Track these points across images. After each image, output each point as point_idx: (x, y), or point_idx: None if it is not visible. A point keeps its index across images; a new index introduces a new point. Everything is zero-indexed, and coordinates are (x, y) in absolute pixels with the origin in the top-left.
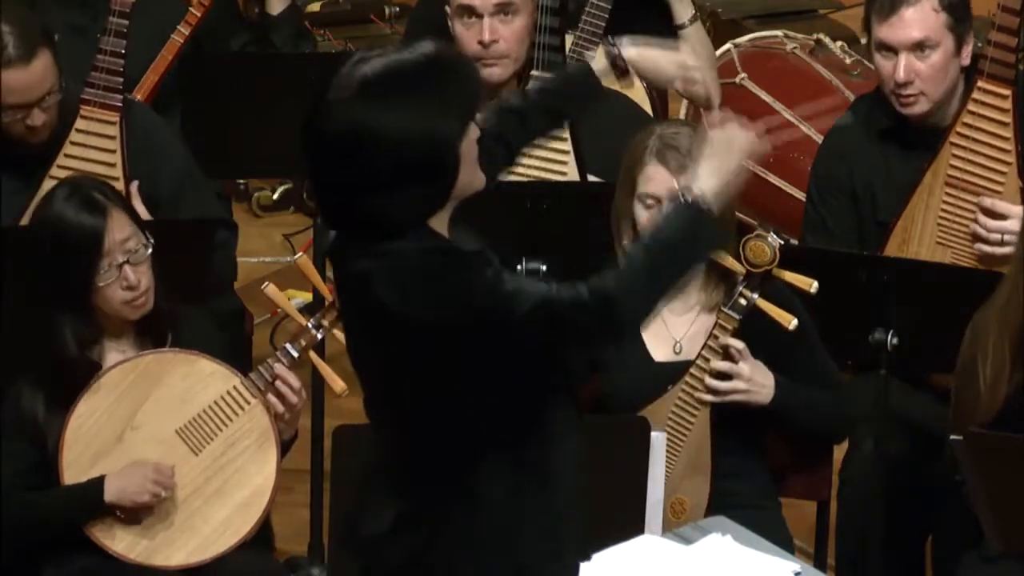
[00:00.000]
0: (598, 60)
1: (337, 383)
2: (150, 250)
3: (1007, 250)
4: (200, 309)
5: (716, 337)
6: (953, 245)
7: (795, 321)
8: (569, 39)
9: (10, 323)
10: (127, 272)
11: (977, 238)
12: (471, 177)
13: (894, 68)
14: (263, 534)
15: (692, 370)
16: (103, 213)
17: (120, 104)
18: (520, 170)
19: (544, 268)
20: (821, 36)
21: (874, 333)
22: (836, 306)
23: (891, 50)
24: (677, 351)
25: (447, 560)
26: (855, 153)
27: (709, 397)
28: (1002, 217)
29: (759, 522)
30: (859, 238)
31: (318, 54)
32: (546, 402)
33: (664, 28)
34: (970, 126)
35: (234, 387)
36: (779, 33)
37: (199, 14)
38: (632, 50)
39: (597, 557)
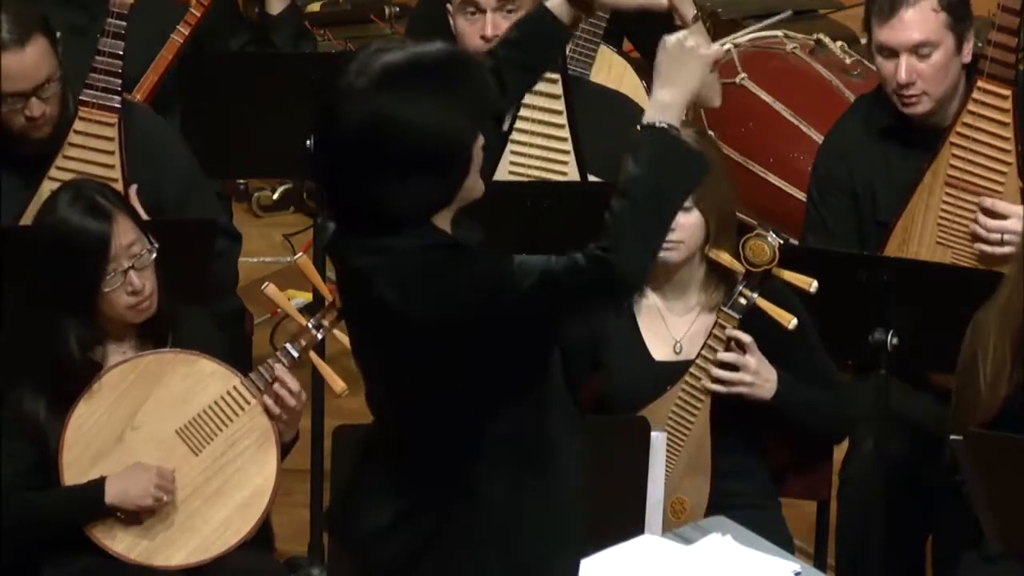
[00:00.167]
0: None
1: (337, 383)
2: (154, 255)
3: (1007, 250)
4: (200, 309)
5: (716, 337)
6: (953, 245)
7: (795, 320)
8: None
9: (11, 324)
10: (132, 277)
11: (977, 238)
12: (475, 182)
13: (895, 69)
14: (263, 534)
15: (692, 370)
16: (108, 218)
17: (118, 106)
18: (520, 170)
19: None
20: (821, 36)
21: (874, 333)
22: (836, 306)
23: (892, 52)
24: (677, 351)
25: (447, 558)
26: (855, 153)
27: (715, 387)
28: (1002, 217)
29: (759, 522)
30: (859, 238)
31: (318, 54)
32: (547, 401)
33: (665, 28)
34: (970, 126)
35: (234, 387)
36: (779, 33)
37: (199, 14)
38: None
39: (597, 557)
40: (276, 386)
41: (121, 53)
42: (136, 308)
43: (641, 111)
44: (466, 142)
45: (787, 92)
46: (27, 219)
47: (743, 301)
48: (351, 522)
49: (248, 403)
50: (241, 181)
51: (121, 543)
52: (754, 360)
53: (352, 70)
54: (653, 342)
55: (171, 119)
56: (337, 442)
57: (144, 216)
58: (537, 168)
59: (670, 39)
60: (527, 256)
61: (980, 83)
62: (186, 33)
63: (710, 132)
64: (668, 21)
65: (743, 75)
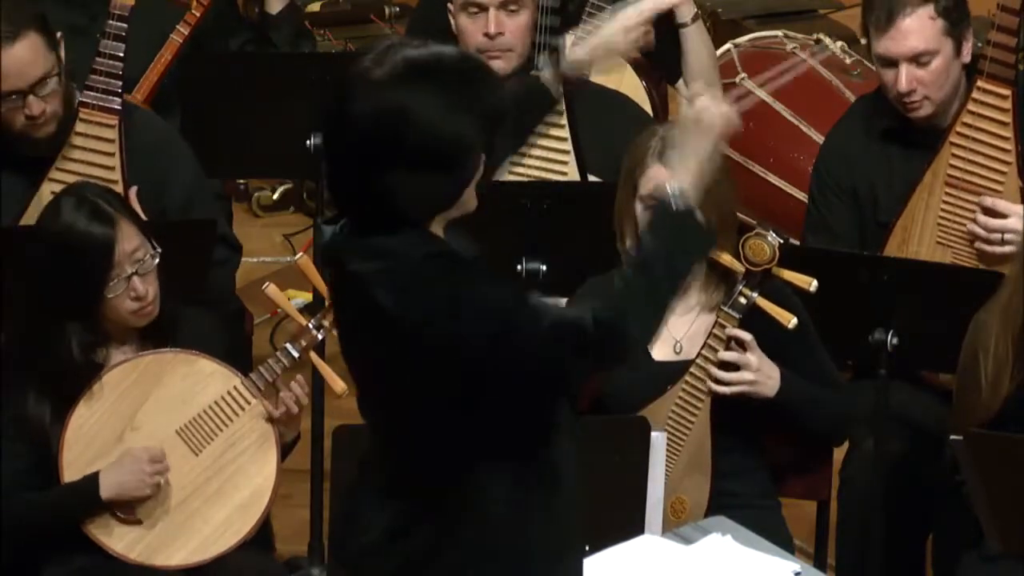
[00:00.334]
0: (544, 74)
1: (337, 383)
2: (157, 260)
3: (1007, 249)
4: (200, 309)
5: (716, 336)
6: (953, 245)
7: (795, 320)
8: (569, 39)
9: (13, 325)
10: (135, 283)
11: (977, 237)
12: (471, 194)
13: (896, 78)
14: (263, 534)
15: (692, 369)
16: (112, 224)
17: (119, 108)
18: (520, 170)
19: (544, 268)
20: (821, 36)
21: (874, 333)
22: (836, 306)
23: (891, 61)
24: (677, 351)
25: (447, 569)
26: (856, 153)
27: (717, 387)
28: (1002, 216)
29: (759, 522)
30: (860, 238)
31: (318, 54)
32: (546, 408)
33: (665, 28)
34: (970, 126)
35: (234, 387)
36: (779, 33)
37: (199, 14)
38: (579, 51)
39: (597, 557)
40: (284, 394)
41: (122, 55)
42: (139, 313)
43: (641, 111)
44: (475, 148)
45: (787, 92)
46: (27, 220)
47: (743, 300)
48: (349, 537)
49: (248, 403)
50: (241, 181)
51: (121, 543)
52: (755, 358)
53: (370, 60)
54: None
55: (171, 119)
56: (337, 442)
57: (141, 215)
58: (537, 168)
59: (685, 115)
60: (530, 300)
61: (980, 83)
62: (186, 33)
63: None
64: (668, 21)
65: (743, 75)
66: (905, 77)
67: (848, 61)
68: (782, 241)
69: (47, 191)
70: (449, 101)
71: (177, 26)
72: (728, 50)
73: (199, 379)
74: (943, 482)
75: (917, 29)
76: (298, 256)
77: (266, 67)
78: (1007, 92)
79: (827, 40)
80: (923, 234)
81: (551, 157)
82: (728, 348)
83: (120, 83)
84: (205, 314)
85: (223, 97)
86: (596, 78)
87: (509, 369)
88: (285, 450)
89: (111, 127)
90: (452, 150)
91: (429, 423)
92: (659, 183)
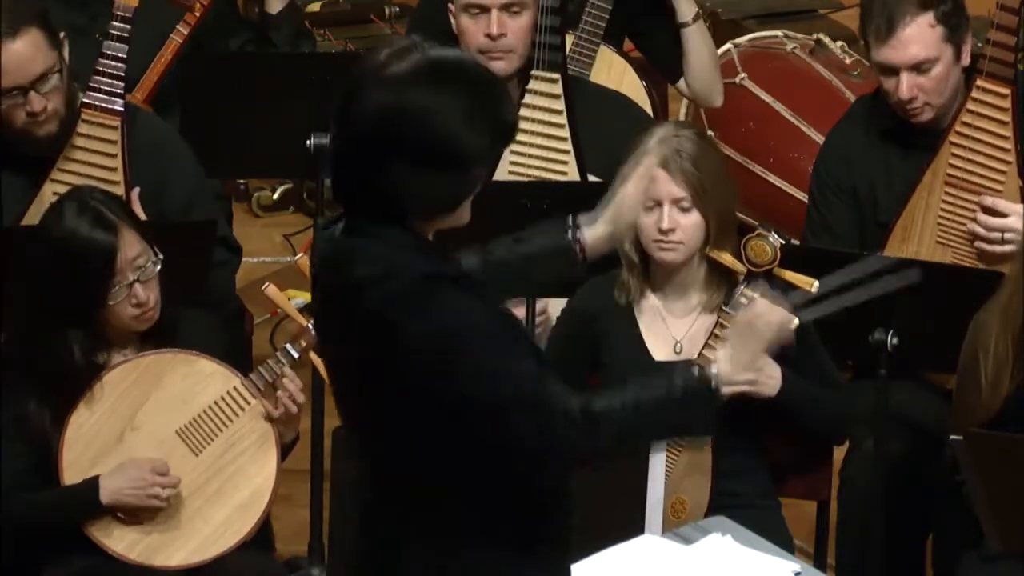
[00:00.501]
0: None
1: None
2: (159, 266)
3: (1007, 249)
4: (200, 310)
5: (717, 337)
6: (953, 244)
7: (796, 320)
8: (569, 39)
9: (14, 327)
10: (137, 290)
11: (977, 237)
12: (467, 207)
13: (897, 86)
14: (263, 534)
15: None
16: (115, 232)
17: (121, 109)
18: (520, 170)
19: None
20: (821, 36)
21: (874, 333)
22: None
23: (892, 70)
24: (677, 351)
25: None
26: (856, 153)
27: None
28: (1002, 215)
29: (759, 522)
30: (860, 238)
31: (318, 54)
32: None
33: (666, 27)
34: (970, 125)
35: (234, 387)
36: (779, 33)
37: (199, 14)
38: (600, 228)
39: (597, 557)
40: (280, 393)
41: (124, 56)
42: (140, 319)
43: (641, 111)
44: (484, 159)
45: (787, 92)
46: (29, 220)
47: (744, 301)
48: (347, 542)
49: (248, 403)
50: (241, 181)
51: (121, 543)
52: None
53: (389, 55)
54: (653, 342)
55: (171, 119)
56: (337, 442)
57: (143, 217)
58: (537, 168)
59: (741, 319)
60: (517, 364)
61: (980, 82)
62: (186, 33)
63: (710, 132)
64: (669, 21)
65: (743, 75)
66: (906, 85)
67: (848, 61)
68: (783, 242)
69: (49, 191)
70: (470, 108)
71: (177, 26)
72: (728, 50)
73: (199, 379)
74: (943, 482)
75: (917, 37)
76: (298, 256)
77: (266, 67)
78: (1007, 91)
79: (827, 40)
80: (923, 234)
81: (551, 157)
82: None
83: (123, 84)
84: (205, 315)
85: (223, 97)
86: (596, 78)
87: (492, 433)
88: (285, 450)
89: (113, 128)
90: (464, 155)
91: (408, 435)
92: (711, 363)
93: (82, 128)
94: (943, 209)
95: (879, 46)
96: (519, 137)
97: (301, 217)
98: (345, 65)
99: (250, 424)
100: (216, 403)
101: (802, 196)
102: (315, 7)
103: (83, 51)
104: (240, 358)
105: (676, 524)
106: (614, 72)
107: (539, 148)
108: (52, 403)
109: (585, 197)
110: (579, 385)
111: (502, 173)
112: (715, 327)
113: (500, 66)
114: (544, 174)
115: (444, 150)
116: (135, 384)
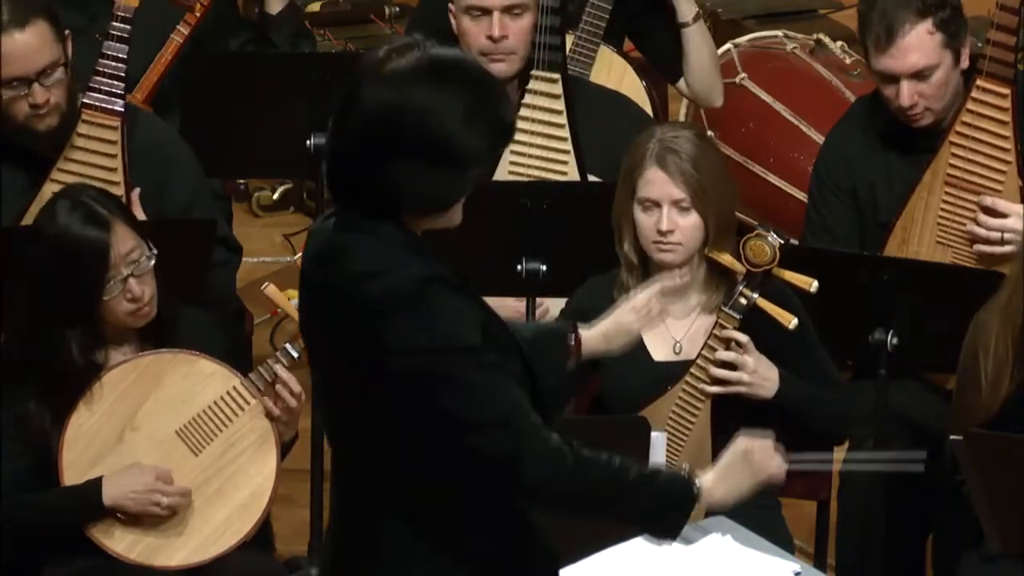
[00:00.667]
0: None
1: None
2: (153, 261)
3: (1007, 249)
4: (200, 310)
5: (716, 337)
6: (953, 244)
7: (795, 321)
8: (569, 39)
9: (12, 327)
10: (132, 285)
11: (977, 237)
12: (459, 208)
13: (897, 94)
14: (263, 534)
15: (692, 370)
16: (107, 227)
17: (121, 109)
18: (520, 170)
19: (544, 268)
20: (821, 36)
21: (874, 333)
22: (836, 306)
23: (892, 78)
24: (677, 351)
25: None
26: (856, 154)
27: (713, 388)
28: (1002, 216)
29: (759, 522)
30: (860, 239)
31: (318, 54)
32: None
33: (666, 27)
34: (969, 125)
35: (234, 387)
36: (779, 33)
37: (199, 14)
38: (594, 337)
39: (597, 557)
40: (278, 387)
41: (124, 56)
42: (136, 314)
43: (641, 111)
44: (480, 159)
45: (787, 92)
46: (28, 220)
47: (743, 301)
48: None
49: (248, 403)
50: (241, 181)
51: (121, 543)
52: (752, 360)
53: (389, 52)
54: (653, 342)
55: (171, 119)
56: None
57: (143, 217)
58: (537, 168)
59: (739, 448)
60: (498, 390)
61: (979, 82)
62: (186, 33)
63: (710, 132)
64: (669, 21)
65: (743, 75)
66: (907, 92)
67: (848, 61)
68: (782, 242)
69: (48, 192)
70: (469, 108)
71: (177, 26)
72: (728, 50)
73: (199, 379)
74: (943, 482)
75: (917, 45)
76: (298, 256)
77: (266, 67)
78: (1006, 91)
79: (827, 40)
80: (923, 234)
81: (551, 157)
82: (728, 349)
83: (123, 84)
84: (205, 314)
85: (223, 97)
86: (596, 78)
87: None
88: (285, 450)
89: (113, 128)
90: (462, 154)
91: (385, 436)
92: (697, 475)
93: (82, 128)
94: (943, 209)
95: (879, 55)
96: (519, 137)
97: (301, 217)
98: (345, 65)
99: (250, 424)
100: (216, 403)
101: (802, 196)
102: (315, 7)
103: (83, 51)
104: (240, 358)
105: None
106: (614, 72)
107: (539, 148)
108: (52, 402)
109: (585, 197)
110: (579, 385)
111: (502, 173)
112: (714, 327)
113: (501, 68)
114: (544, 174)
115: (442, 148)
116: (135, 384)
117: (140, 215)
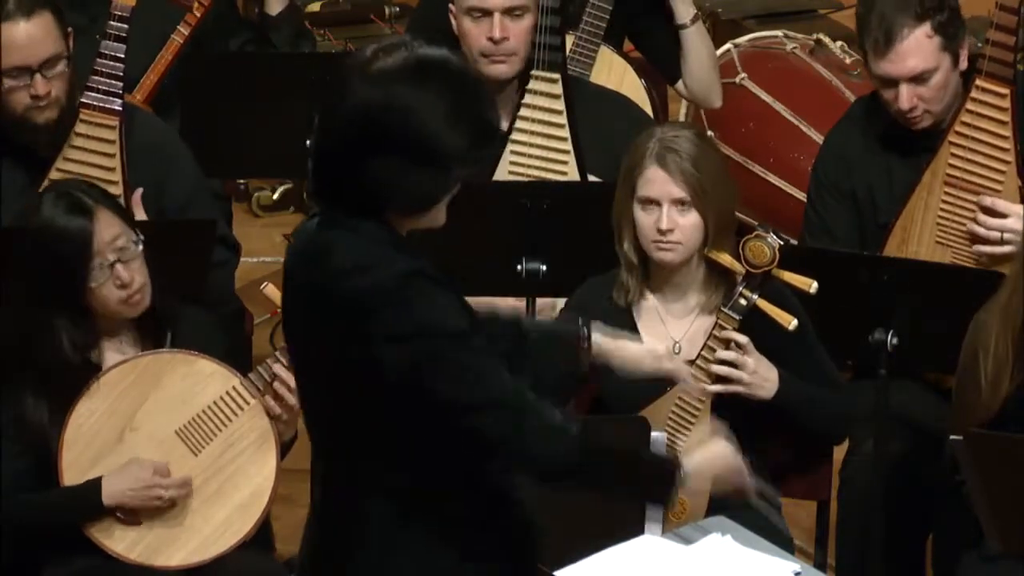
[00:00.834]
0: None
1: None
2: (140, 247)
3: (1007, 249)
4: (199, 309)
5: (716, 337)
6: (953, 244)
7: (795, 321)
8: (570, 40)
9: (8, 325)
10: (119, 270)
11: (977, 237)
12: (443, 208)
13: (896, 97)
14: (263, 534)
15: (692, 370)
16: (89, 214)
17: (120, 109)
18: (520, 170)
19: (544, 268)
20: (821, 36)
21: (874, 333)
22: (836, 306)
23: (892, 81)
24: (677, 351)
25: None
26: (855, 154)
27: (713, 388)
28: (1002, 216)
29: (759, 522)
30: (860, 239)
31: (318, 54)
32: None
33: (666, 28)
34: (969, 125)
35: (233, 387)
36: (779, 33)
37: (199, 14)
38: (609, 343)
39: (597, 557)
40: (277, 384)
41: (123, 56)
42: (127, 302)
43: (641, 111)
44: (464, 159)
45: (787, 92)
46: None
47: (743, 302)
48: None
49: (247, 403)
50: (241, 181)
51: (121, 543)
52: (751, 360)
53: (376, 51)
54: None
55: (171, 119)
56: None
57: (142, 217)
58: (537, 168)
59: (716, 448)
60: (491, 372)
61: (979, 82)
62: (186, 33)
63: (710, 132)
64: (668, 21)
65: (743, 75)
66: (906, 96)
67: (848, 61)
68: (782, 243)
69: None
70: (452, 108)
71: (177, 26)
72: (728, 50)
73: (198, 379)
74: (943, 482)
75: (916, 49)
76: None
77: (266, 67)
78: (1006, 91)
79: (827, 40)
80: (923, 234)
81: (551, 157)
82: (727, 349)
83: (121, 84)
84: (205, 314)
85: (223, 97)
86: (596, 78)
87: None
88: (284, 449)
89: (112, 128)
90: (444, 153)
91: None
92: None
93: (80, 128)
94: (942, 209)
95: (877, 59)
96: (519, 137)
97: (301, 217)
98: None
99: (249, 424)
100: (215, 403)
101: (802, 196)
102: (315, 7)
103: (83, 51)
104: (240, 358)
105: (676, 524)
106: (614, 72)
107: (539, 148)
108: (49, 400)
109: (585, 197)
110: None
111: (502, 173)
112: (714, 328)
113: (502, 69)
114: (544, 174)
115: (425, 147)
116: (134, 384)
117: (141, 215)
